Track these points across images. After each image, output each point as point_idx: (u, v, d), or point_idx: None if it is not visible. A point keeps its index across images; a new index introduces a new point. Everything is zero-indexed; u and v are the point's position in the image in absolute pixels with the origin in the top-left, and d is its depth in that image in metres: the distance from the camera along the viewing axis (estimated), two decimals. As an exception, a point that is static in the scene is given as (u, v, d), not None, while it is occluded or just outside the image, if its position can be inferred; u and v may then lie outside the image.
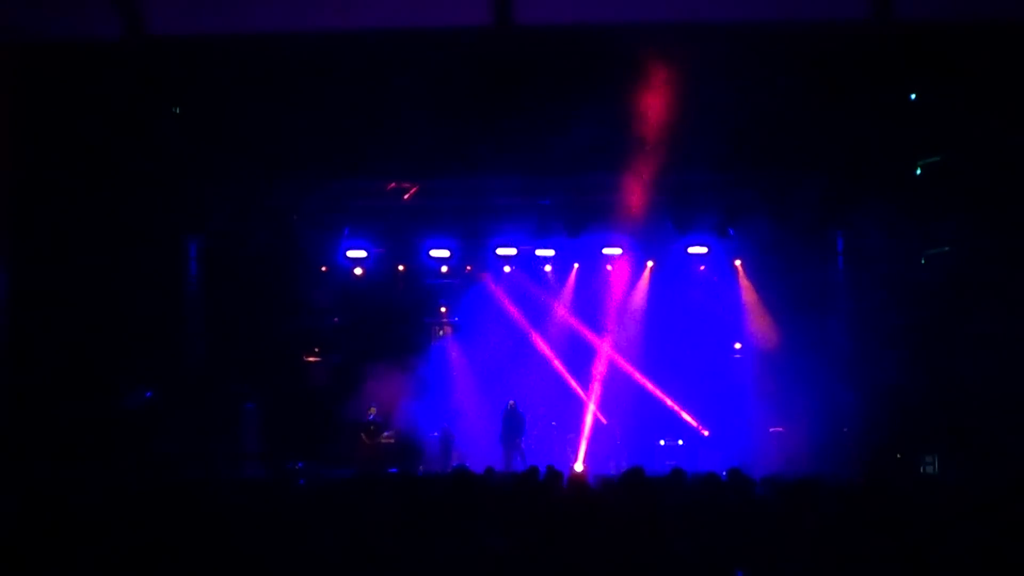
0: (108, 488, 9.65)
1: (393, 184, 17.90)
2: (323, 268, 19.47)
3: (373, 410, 18.79)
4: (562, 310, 19.96)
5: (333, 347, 19.69)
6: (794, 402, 17.22)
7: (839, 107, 14.22)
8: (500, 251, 19.28)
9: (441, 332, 20.09)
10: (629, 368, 19.30)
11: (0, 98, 13.44)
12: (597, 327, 19.67)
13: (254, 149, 14.85)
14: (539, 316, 20.00)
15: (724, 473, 9.66)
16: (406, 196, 18.07)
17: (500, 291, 19.85)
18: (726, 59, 12.73)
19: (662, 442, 18.72)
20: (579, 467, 18.05)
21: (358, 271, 19.22)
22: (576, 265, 19.87)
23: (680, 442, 18.76)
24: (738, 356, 19.40)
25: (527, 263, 19.79)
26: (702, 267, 19.46)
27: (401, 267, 19.73)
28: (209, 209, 16.96)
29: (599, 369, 19.10)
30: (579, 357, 19.67)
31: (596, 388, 19.02)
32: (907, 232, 15.92)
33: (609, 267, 19.74)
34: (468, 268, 19.87)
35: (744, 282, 19.29)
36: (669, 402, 19.00)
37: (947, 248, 15.63)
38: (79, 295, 14.24)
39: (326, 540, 7.05)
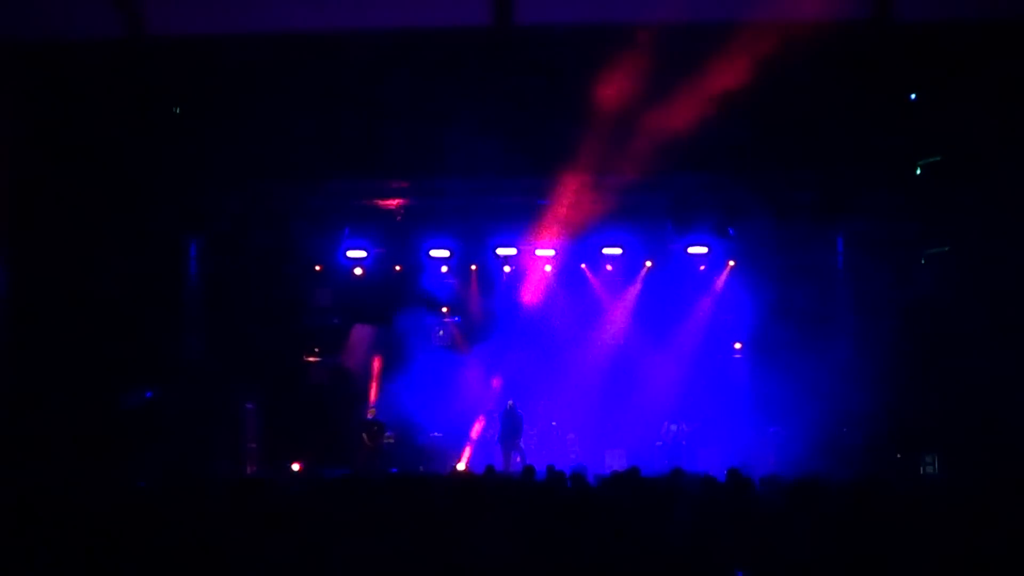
0: (108, 488, 9.65)
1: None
2: (318, 267, 19.36)
3: (373, 411, 18.76)
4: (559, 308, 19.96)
5: (333, 347, 19.68)
6: (794, 402, 17.21)
7: (839, 106, 14.23)
8: (500, 251, 19.26)
9: (441, 332, 20.05)
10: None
11: (0, 98, 13.48)
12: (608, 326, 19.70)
13: (254, 149, 14.83)
14: (545, 314, 20.00)
15: (723, 473, 9.67)
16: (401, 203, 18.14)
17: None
18: (726, 59, 12.75)
19: (659, 443, 18.72)
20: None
21: (358, 271, 19.19)
22: (584, 265, 19.85)
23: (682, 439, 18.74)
24: (738, 356, 19.38)
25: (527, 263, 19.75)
26: (702, 267, 19.42)
27: (398, 267, 19.64)
28: (209, 209, 16.95)
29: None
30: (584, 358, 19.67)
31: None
32: (907, 232, 15.92)
33: (609, 267, 19.71)
34: (473, 267, 19.83)
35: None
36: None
37: (947, 248, 15.64)
38: (79, 295, 14.26)
39: (326, 540, 7.05)
